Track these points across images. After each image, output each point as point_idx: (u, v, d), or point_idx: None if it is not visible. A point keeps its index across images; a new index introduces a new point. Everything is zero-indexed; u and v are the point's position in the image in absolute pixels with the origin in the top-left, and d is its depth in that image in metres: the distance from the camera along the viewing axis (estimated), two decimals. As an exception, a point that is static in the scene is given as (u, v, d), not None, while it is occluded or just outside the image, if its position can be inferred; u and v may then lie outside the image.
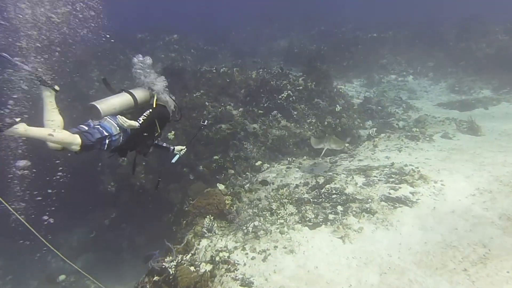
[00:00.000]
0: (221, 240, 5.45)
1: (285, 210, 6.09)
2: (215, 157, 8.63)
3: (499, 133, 8.77)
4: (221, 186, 6.94)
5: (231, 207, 6.29)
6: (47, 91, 3.29)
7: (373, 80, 17.88)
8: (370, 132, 9.77)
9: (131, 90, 3.86)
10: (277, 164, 8.54)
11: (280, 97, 10.42)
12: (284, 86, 10.87)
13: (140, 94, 3.89)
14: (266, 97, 10.32)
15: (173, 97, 4.37)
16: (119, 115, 3.51)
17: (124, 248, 9.10)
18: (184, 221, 6.27)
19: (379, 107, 12.89)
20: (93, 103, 3.47)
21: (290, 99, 10.52)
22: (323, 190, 6.58)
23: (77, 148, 3.10)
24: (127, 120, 3.50)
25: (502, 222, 5.11)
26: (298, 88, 11.00)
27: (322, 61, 17.56)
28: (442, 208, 5.67)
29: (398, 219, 5.56)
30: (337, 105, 11.49)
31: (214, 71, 10.65)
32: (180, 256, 5.05)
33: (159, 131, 4.12)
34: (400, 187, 6.32)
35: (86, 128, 3.35)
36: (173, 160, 4.81)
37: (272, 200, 6.31)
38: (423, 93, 16.39)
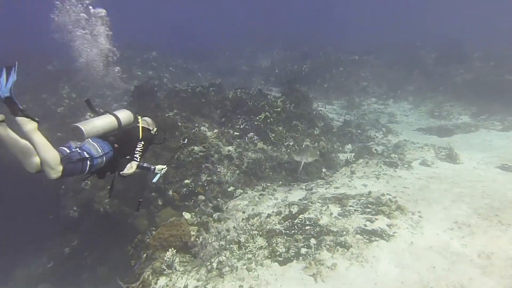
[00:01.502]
0: (182, 278, 4.94)
1: (255, 243, 5.65)
2: (186, 181, 8.16)
3: (477, 162, 8.64)
4: (187, 215, 6.47)
5: (197, 239, 5.82)
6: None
7: (354, 102, 17.90)
8: (348, 158, 9.52)
9: (115, 112, 3.86)
10: (250, 190, 8.12)
11: (257, 118, 10.12)
12: (262, 107, 10.59)
13: (124, 116, 3.90)
14: (242, 118, 10.00)
15: (157, 119, 4.49)
16: (122, 172, 3.67)
17: (84, 280, 8.37)
18: (145, 254, 5.73)
19: (359, 131, 12.75)
20: (76, 124, 3.44)
21: (268, 120, 10.22)
22: (296, 221, 6.19)
23: (56, 175, 2.96)
24: (129, 169, 3.70)
25: (481, 261, 4.81)
26: (276, 109, 10.74)
27: (303, 82, 17.58)
28: (419, 243, 5.35)
29: (373, 255, 5.19)
30: (316, 128, 11.28)
31: (190, 90, 10.29)
32: (133, 298, 4.52)
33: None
34: (376, 219, 6.00)
35: (68, 151, 3.24)
36: (154, 180, 4.72)
37: (241, 232, 5.86)
38: (403, 117, 16.45)
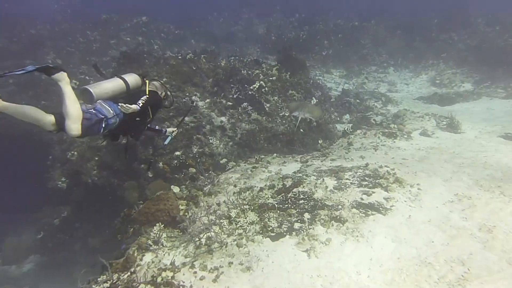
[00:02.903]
0: (169, 254, 4.73)
1: (246, 217, 5.41)
2: (177, 153, 7.85)
3: (479, 131, 8.32)
4: (175, 189, 6.21)
5: (186, 213, 5.58)
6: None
7: (353, 71, 17.38)
8: (346, 128, 9.18)
9: (123, 76, 3.93)
10: (243, 163, 7.83)
11: (251, 88, 9.66)
12: (256, 76, 10.10)
13: (131, 79, 3.96)
14: (236, 87, 9.54)
15: (166, 84, 4.64)
16: (120, 104, 3.61)
17: (76, 251, 8.26)
18: (131, 229, 5.50)
19: (358, 100, 12.34)
20: (86, 86, 3.49)
21: (263, 90, 9.76)
22: (290, 195, 5.94)
23: (77, 133, 3.12)
24: (129, 106, 3.61)
25: (482, 235, 4.59)
26: (271, 78, 10.26)
27: (300, 50, 16.89)
28: (418, 216, 5.11)
29: (370, 229, 4.97)
30: (313, 98, 10.85)
31: (180, 57, 9.74)
32: (116, 276, 4.31)
33: (151, 116, 4.20)
34: (373, 192, 5.74)
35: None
36: (166, 142, 4.89)
37: (232, 206, 5.61)
38: (404, 86, 15.99)
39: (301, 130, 9.49)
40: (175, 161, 7.69)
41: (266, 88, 9.85)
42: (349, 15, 24.41)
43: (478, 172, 5.97)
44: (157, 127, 4.74)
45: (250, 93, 9.59)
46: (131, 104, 3.68)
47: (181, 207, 5.69)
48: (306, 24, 22.37)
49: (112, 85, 3.73)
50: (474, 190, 5.47)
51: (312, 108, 8.02)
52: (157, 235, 4.95)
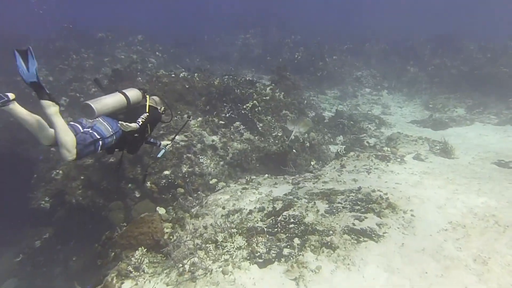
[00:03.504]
0: (149, 282, 4.47)
1: (233, 242, 5.18)
2: (166, 172, 7.64)
3: (472, 157, 8.25)
4: (161, 210, 5.98)
5: (170, 237, 5.34)
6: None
7: (347, 92, 17.45)
8: (339, 150, 9.07)
9: (124, 91, 3.94)
10: (233, 184, 7.64)
11: (244, 107, 9.58)
12: (249, 95, 10.04)
13: (132, 94, 3.99)
14: (229, 106, 9.45)
15: (165, 100, 4.65)
16: (120, 121, 3.61)
17: (57, 275, 7.86)
18: (113, 254, 5.24)
19: (351, 122, 12.29)
20: (87, 102, 3.52)
21: (256, 109, 9.69)
22: (280, 218, 5.74)
23: (71, 158, 3.14)
24: (129, 124, 3.62)
25: (478, 267, 4.41)
26: (265, 98, 10.20)
27: (295, 71, 17.01)
28: (411, 244, 4.93)
29: (361, 257, 4.77)
30: (307, 118, 10.78)
31: (173, 75, 9.67)
32: (92, 305, 4.04)
33: (149, 132, 4.25)
34: (366, 217, 5.57)
35: (81, 128, 3.41)
36: (159, 155, 4.90)
37: (219, 230, 5.39)
38: (397, 109, 16.05)
39: (294, 150, 9.37)
40: (164, 181, 7.48)
41: (260, 108, 9.79)
42: (344, 38, 24.76)
43: (472, 200, 5.83)
44: (152, 140, 4.78)
45: (243, 112, 9.50)
46: (130, 123, 3.70)
47: (166, 230, 5.46)
48: (301, 45, 22.67)
49: (113, 100, 3.75)
50: (469, 219, 5.32)
51: (307, 122, 8.37)
52: (139, 260, 4.69)
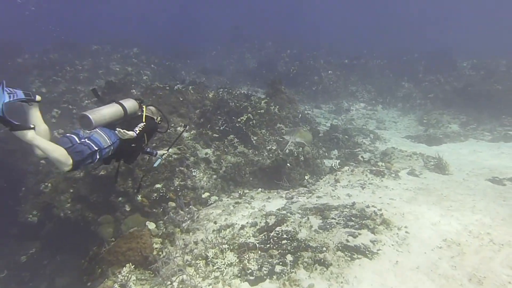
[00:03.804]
0: (136, 300, 4.32)
1: (224, 258, 5.05)
2: (157, 185, 7.52)
3: (466, 173, 8.23)
4: (151, 225, 5.85)
5: (160, 253, 5.19)
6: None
7: (342, 107, 17.52)
8: (333, 165, 9.02)
9: (121, 101, 3.98)
10: (226, 197, 7.54)
11: (239, 120, 9.54)
12: (244, 108, 10.02)
13: (129, 105, 4.02)
14: (223, 119, 9.41)
15: (161, 109, 4.67)
16: (118, 129, 3.63)
17: (42, 291, 7.61)
18: (99, 270, 5.07)
19: (346, 136, 12.28)
20: (84, 112, 3.55)
21: (250, 123, 9.66)
22: (272, 234, 5.62)
23: (67, 169, 3.14)
24: (127, 132, 3.64)
25: (473, 286, 4.31)
26: (259, 111, 10.18)
27: (290, 84, 17.11)
28: (405, 262, 4.83)
29: (355, 275, 4.66)
30: (304, 129, 10.75)
31: (167, 88, 9.64)
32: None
33: (146, 142, 4.28)
34: (359, 234, 5.47)
35: (77, 139, 3.39)
36: (155, 164, 4.90)
37: (210, 245, 5.26)
38: (392, 124, 16.10)
39: (288, 164, 9.30)
40: (155, 194, 7.35)
41: (254, 121, 9.76)
42: (340, 53, 25.04)
43: (466, 217, 5.77)
44: (148, 150, 4.76)
45: (237, 125, 9.46)
46: (128, 131, 3.72)
47: (155, 246, 5.32)
48: (297, 59, 22.87)
49: (110, 111, 3.76)
50: (463, 236, 5.25)
51: (303, 134, 8.34)
52: (126, 277, 4.54)
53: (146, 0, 59.70)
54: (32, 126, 2.92)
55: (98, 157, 3.45)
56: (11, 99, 2.92)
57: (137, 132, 3.82)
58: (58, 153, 3.05)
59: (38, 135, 3.08)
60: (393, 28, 44.19)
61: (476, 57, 21.15)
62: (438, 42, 28.32)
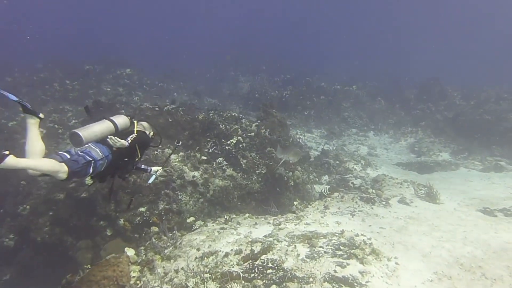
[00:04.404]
0: (107, 334, 4.02)
1: (205, 289, 4.78)
2: (141, 209, 7.26)
3: (457, 203, 8.12)
4: (130, 251, 5.55)
5: (137, 282, 4.91)
6: (31, 118, 3.33)
7: (334, 132, 17.53)
8: (323, 190, 8.86)
9: (111, 118, 3.99)
10: (211, 223, 7.29)
11: (228, 142, 9.41)
12: (234, 131, 9.91)
13: (120, 121, 4.03)
14: (212, 141, 9.27)
15: (152, 124, 4.67)
16: (110, 136, 3.65)
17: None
18: (72, 299, 4.76)
19: (337, 162, 12.20)
20: (75, 130, 3.57)
21: (240, 145, 9.53)
22: (257, 262, 5.38)
23: (64, 176, 3.15)
24: (119, 139, 3.63)
25: (465, 324, 4.10)
26: (250, 134, 10.07)
27: (283, 108, 17.16)
28: (395, 296, 4.62)
29: (342, 309, 4.43)
30: (297, 149, 10.63)
31: (157, 109, 9.53)
32: None
33: (139, 156, 4.22)
34: (348, 264, 5.25)
35: (68, 156, 3.36)
36: (150, 181, 4.90)
37: (191, 274, 4.99)
38: (383, 150, 16.11)
39: (278, 189, 9.13)
40: (138, 218, 7.08)
41: (244, 144, 9.64)
42: (332, 79, 25.36)
43: (458, 249, 5.60)
44: (142, 166, 4.78)
45: (226, 148, 9.33)
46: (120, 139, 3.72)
47: (133, 274, 5.04)
48: (290, 84, 23.07)
49: (101, 127, 3.77)
50: (455, 269, 5.06)
51: (297, 152, 8.67)
52: (98, 308, 4.25)
53: (145, 21, 60.90)
54: (6, 152, 2.79)
55: (92, 170, 3.47)
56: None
57: (129, 142, 3.80)
58: (48, 164, 3.04)
59: (34, 153, 3.18)
60: (385, 56, 45.27)
61: (466, 87, 21.56)
62: (429, 70, 28.92)
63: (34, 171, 3.07)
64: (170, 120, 9.15)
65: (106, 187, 7.29)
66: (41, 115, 3.43)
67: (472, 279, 4.82)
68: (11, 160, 2.80)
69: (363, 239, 5.96)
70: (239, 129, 10.07)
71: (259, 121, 11.19)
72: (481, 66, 41.09)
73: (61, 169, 3.11)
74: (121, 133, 3.99)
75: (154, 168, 4.89)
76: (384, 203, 7.96)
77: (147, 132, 4.50)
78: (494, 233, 6.23)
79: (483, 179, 10.92)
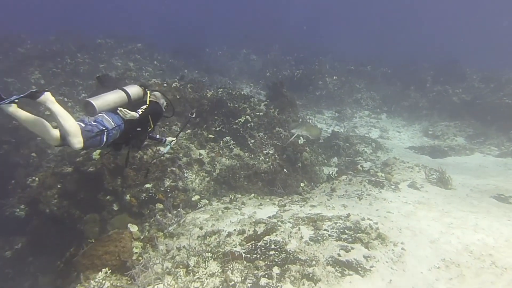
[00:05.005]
0: (107, 308, 4.04)
1: (206, 268, 4.76)
2: (147, 185, 7.25)
3: (470, 189, 7.87)
4: (133, 228, 5.57)
5: (140, 258, 4.91)
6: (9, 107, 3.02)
7: (346, 113, 17.18)
8: (331, 173, 8.69)
9: (124, 88, 3.99)
10: (216, 202, 7.25)
11: (236, 121, 9.26)
12: (243, 110, 9.73)
13: (133, 91, 4.02)
14: (220, 120, 9.13)
15: (165, 94, 4.65)
16: (119, 108, 3.63)
17: (25, 289, 7.34)
18: (75, 273, 4.80)
19: (347, 144, 11.95)
20: (88, 99, 3.60)
21: (248, 125, 9.37)
22: (260, 243, 5.33)
23: (79, 145, 3.17)
24: (128, 111, 3.64)
25: (471, 313, 3.98)
26: (258, 113, 9.88)
27: (294, 88, 16.81)
28: (400, 282, 4.51)
29: (344, 293, 4.35)
30: (301, 137, 10.44)
31: (165, 85, 9.38)
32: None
33: (152, 126, 4.24)
34: (352, 248, 5.16)
35: (83, 125, 3.36)
36: (165, 151, 5.11)
37: (192, 253, 4.97)
38: (396, 133, 15.74)
39: (285, 170, 9.01)
40: (144, 195, 7.08)
41: (252, 123, 9.47)
42: (347, 59, 24.66)
43: (468, 236, 5.42)
44: (157, 136, 4.88)
45: (234, 127, 9.19)
46: (131, 111, 3.73)
47: (135, 250, 5.04)
48: (302, 63, 22.51)
49: (114, 97, 3.79)
50: (463, 257, 4.90)
51: (310, 128, 8.31)
52: (99, 284, 4.27)
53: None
54: (47, 89, 2.97)
55: (105, 139, 3.49)
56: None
57: (139, 113, 3.82)
58: (72, 123, 3.12)
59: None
60: (403, 36, 43.79)
61: (486, 69, 20.72)
62: (448, 52, 27.83)
63: (55, 135, 3.12)
64: (178, 97, 9.01)
65: (113, 163, 7.32)
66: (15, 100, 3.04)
67: (482, 267, 4.67)
68: (48, 97, 3.02)
69: (369, 223, 5.84)
70: (247, 108, 9.88)
71: (268, 100, 10.96)
72: (503, 48, 39.41)
73: (79, 135, 3.16)
74: (134, 103, 4.00)
75: (169, 139, 4.97)
76: (393, 187, 7.77)
77: (160, 102, 4.49)
78: (507, 220, 6.01)
79: (498, 165, 10.57)
